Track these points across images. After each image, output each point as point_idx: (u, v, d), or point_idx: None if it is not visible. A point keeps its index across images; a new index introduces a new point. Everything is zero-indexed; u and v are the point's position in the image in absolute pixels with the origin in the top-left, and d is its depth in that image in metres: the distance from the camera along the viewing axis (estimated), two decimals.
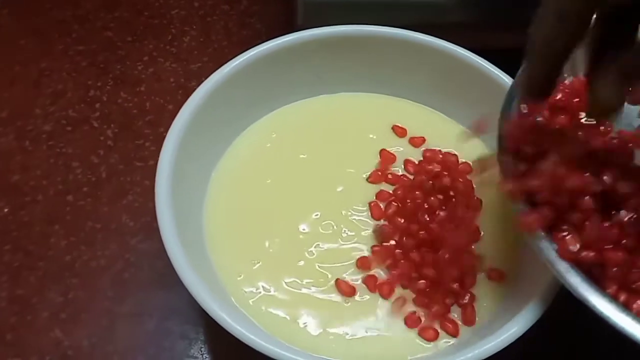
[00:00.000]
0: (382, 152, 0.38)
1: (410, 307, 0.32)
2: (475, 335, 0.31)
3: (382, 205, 0.36)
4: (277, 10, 0.53)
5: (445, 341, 0.32)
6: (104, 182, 0.43)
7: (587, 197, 0.27)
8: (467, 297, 0.33)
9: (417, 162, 0.38)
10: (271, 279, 0.33)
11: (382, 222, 0.35)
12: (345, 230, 0.35)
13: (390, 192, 0.36)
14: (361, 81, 0.40)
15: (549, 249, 0.27)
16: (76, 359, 0.36)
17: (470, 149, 0.38)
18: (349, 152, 0.38)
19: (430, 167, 0.37)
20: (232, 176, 0.37)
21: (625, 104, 0.30)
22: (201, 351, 0.37)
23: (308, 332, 0.32)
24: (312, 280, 0.33)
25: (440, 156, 0.37)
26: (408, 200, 0.35)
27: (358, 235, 0.35)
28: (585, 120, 0.30)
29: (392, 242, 0.34)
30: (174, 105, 0.46)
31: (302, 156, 0.38)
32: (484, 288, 0.33)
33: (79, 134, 0.45)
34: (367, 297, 0.33)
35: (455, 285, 0.33)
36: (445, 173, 0.36)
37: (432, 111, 0.40)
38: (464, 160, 0.38)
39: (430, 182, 0.36)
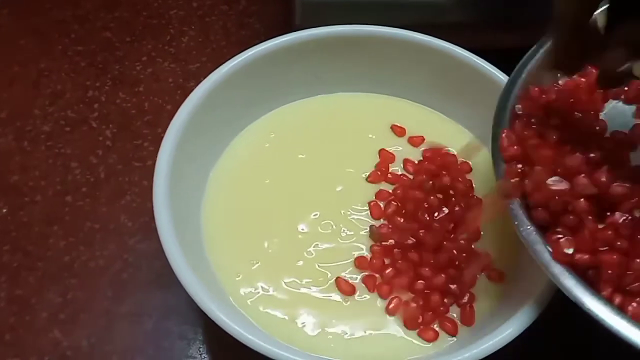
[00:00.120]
0: (382, 151, 0.38)
1: (409, 307, 0.32)
2: (474, 335, 0.31)
3: (381, 205, 0.36)
4: (275, 10, 0.53)
5: (444, 341, 0.32)
6: (102, 183, 0.43)
7: (581, 200, 0.27)
8: (466, 297, 0.33)
9: (416, 162, 0.38)
10: (270, 279, 0.33)
11: (381, 221, 0.35)
12: (344, 230, 0.35)
13: (390, 191, 0.36)
14: (360, 81, 0.40)
15: (543, 252, 0.27)
16: (75, 359, 0.36)
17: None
18: (348, 152, 0.38)
19: (430, 165, 0.37)
20: (230, 176, 0.37)
21: (621, 104, 0.30)
22: (200, 351, 0.37)
23: (306, 332, 0.32)
24: (311, 280, 0.33)
25: (439, 158, 0.37)
26: (408, 200, 0.35)
27: (357, 234, 0.35)
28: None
29: (391, 242, 0.34)
30: (173, 106, 0.46)
31: (300, 156, 0.38)
32: (484, 288, 0.33)
33: (78, 134, 0.45)
34: (367, 296, 0.33)
35: (454, 286, 0.33)
36: (444, 172, 0.36)
37: (430, 111, 0.40)
38: (462, 160, 0.38)
39: (430, 182, 0.36)
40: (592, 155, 0.28)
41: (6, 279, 0.39)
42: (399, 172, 0.37)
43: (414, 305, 0.32)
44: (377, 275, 0.33)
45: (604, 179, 0.27)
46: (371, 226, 0.35)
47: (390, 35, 0.38)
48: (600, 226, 0.26)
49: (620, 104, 0.32)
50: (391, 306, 0.32)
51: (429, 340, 0.32)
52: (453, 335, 0.32)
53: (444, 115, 0.40)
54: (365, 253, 0.34)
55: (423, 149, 0.38)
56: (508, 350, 0.28)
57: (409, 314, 0.32)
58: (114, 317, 0.37)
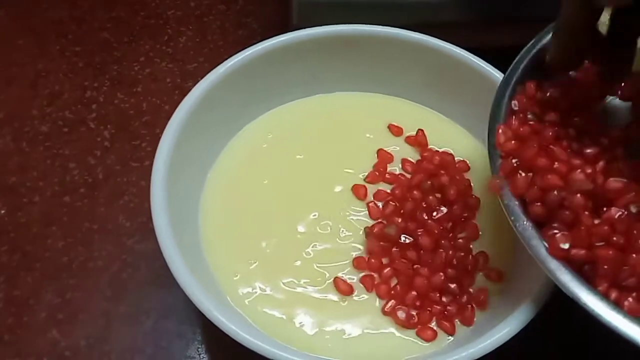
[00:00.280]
0: (380, 151, 0.38)
1: (407, 307, 0.32)
2: (473, 335, 0.31)
3: (380, 205, 0.36)
4: (273, 10, 0.53)
5: (442, 340, 0.32)
6: (100, 183, 0.43)
7: (577, 195, 0.27)
8: (465, 297, 0.33)
9: (414, 162, 0.38)
10: (268, 279, 0.33)
11: (378, 221, 0.35)
12: (342, 230, 0.35)
13: (388, 191, 0.36)
14: (357, 80, 0.40)
15: (539, 247, 0.27)
16: (73, 359, 0.36)
17: (466, 148, 0.39)
18: (346, 152, 0.38)
19: (429, 165, 0.37)
20: (228, 176, 0.37)
21: (617, 100, 0.30)
22: (198, 351, 0.37)
23: (304, 332, 0.32)
24: (309, 280, 0.33)
25: (437, 157, 0.37)
26: (406, 200, 0.35)
27: (356, 234, 0.35)
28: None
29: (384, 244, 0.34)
30: (171, 106, 0.46)
31: (298, 156, 0.38)
32: (482, 287, 0.33)
33: (76, 135, 0.45)
34: (365, 296, 0.33)
35: (454, 286, 0.33)
36: (443, 172, 0.36)
37: (427, 110, 0.40)
38: (460, 159, 0.38)
39: (429, 181, 0.36)
40: (588, 151, 0.29)
41: (4, 279, 0.39)
42: (397, 172, 0.37)
43: (412, 304, 0.32)
44: (375, 275, 0.33)
45: (600, 174, 0.27)
46: (365, 227, 0.35)
47: (387, 34, 0.38)
48: (596, 222, 0.26)
49: (617, 100, 0.32)
50: (389, 306, 0.32)
51: (427, 340, 0.32)
52: (451, 335, 0.32)
53: (441, 114, 0.40)
54: (364, 253, 0.34)
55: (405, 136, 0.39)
56: (506, 350, 0.28)
57: (407, 313, 0.32)
58: (113, 317, 0.37)
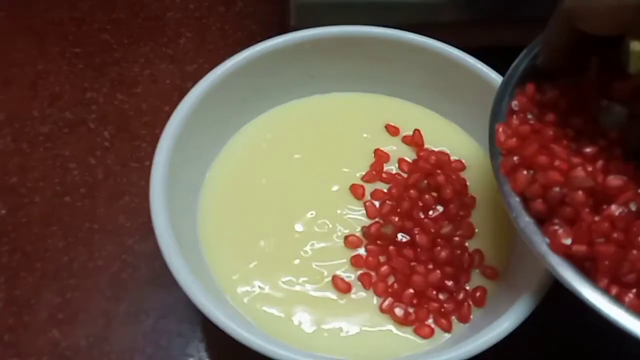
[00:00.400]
0: (377, 151, 0.38)
1: (404, 304, 0.33)
2: (470, 332, 0.31)
3: (377, 204, 0.36)
4: (271, 11, 0.53)
5: (439, 337, 0.32)
6: (100, 183, 0.43)
7: (578, 192, 0.27)
8: (461, 294, 0.33)
9: (411, 161, 0.38)
10: (266, 277, 0.33)
11: (375, 220, 0.35)
12: (340, 229, 0.35)
13: (385, 191, 0.37)
14: (354, 81, 0.41)
15: (540, 243, 0.27)
16: (74, 358, 0.36)
17: (462, 148, 0.39)
18: (344, 152, 0.38)
19: (425, 164, 0.37)
20: (227, 176, 0.37)
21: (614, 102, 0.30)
22: (198, 350, 0.37)
23: (303, 330, 0.32)
24: (307, 278, 0.33)
25: (434, 157, 0.38)
26: (403, 199, 0.36)
27: (353, 233, 0.35)
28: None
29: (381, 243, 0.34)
30: (170, 107, 0.45)
31: (296, 156, 0.38)
32: (479, 285, 0.34)
33: (76, 135, 0.45)
34: (362, 294, 0.33)
35: (450, 283, 0.33)
36: (439, 171, 0.36)
37: (424, 109, 0.41)
38: (456, 158, 0.38)
39: (425, 181, 0.36)
40: (587, 150, 0.29)
41: (5, 279, 0.39)
42: (394, 172, 0.38)
43: (409, 302, 0.33)
44: (372, 273, 0.34)
45: (599, 172, 0.27)
46: (362, 227, 0.35)
47: (384, 35, 0.39)
48: (596, 218, 0.27)
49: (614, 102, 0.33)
50: (387, 303, 0.32)
51: (424, 337, 0.32)
52: (448, 332, 0.32)
53: (438, 114, 0.40)
54: (361, 251, 0.34)
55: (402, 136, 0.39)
56: (504, 348, 0.28)
57: (404, 311, 0.32)
58: (113, 317, 0.38)
